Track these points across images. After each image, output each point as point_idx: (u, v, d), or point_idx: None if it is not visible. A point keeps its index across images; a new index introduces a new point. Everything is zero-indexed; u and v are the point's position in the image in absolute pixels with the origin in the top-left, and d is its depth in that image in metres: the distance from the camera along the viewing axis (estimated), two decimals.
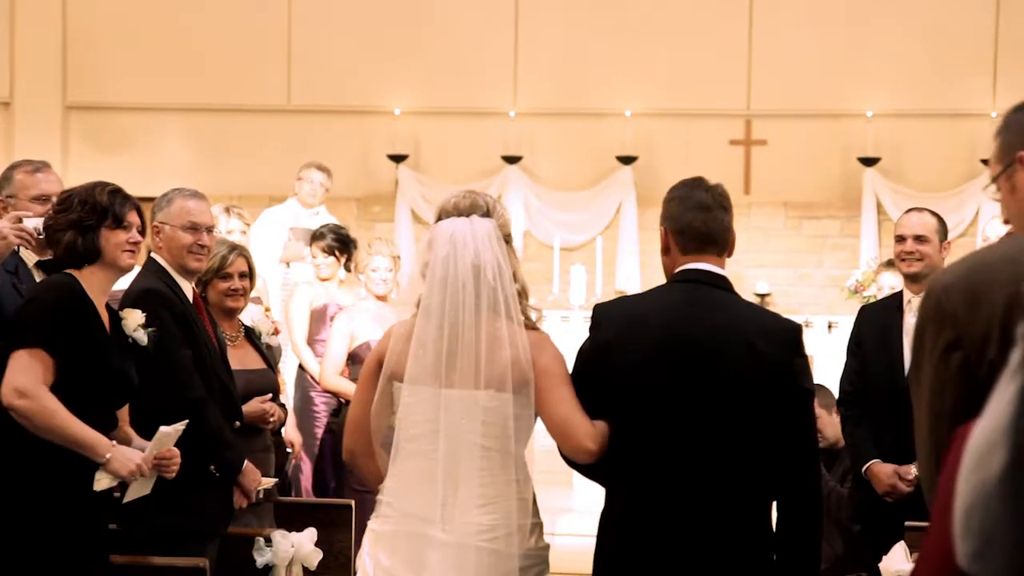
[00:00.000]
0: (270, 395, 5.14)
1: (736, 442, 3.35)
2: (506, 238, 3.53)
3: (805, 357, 3.48)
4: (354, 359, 6.42)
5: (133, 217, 4.04)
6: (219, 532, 4.53)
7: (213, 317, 4.86)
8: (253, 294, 5.51)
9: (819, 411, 5.94)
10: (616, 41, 11.61)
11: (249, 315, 5.52)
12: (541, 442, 3.77)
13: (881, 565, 4.53)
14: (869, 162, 11.39)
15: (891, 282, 7.09)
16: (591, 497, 7.36)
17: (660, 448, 3.38)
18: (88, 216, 3.96)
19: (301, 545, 4.70)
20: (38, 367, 3.78)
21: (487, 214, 3.52)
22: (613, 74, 11.62)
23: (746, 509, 3.38)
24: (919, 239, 5.34)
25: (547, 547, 3.55)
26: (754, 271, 11.39)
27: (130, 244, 4.02)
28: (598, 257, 11.09)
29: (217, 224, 5.72)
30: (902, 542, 4.55)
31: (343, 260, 7.26)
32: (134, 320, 4.09)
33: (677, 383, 3.37)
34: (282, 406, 5.35)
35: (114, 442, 3.89)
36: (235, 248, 5.26)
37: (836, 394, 5.74)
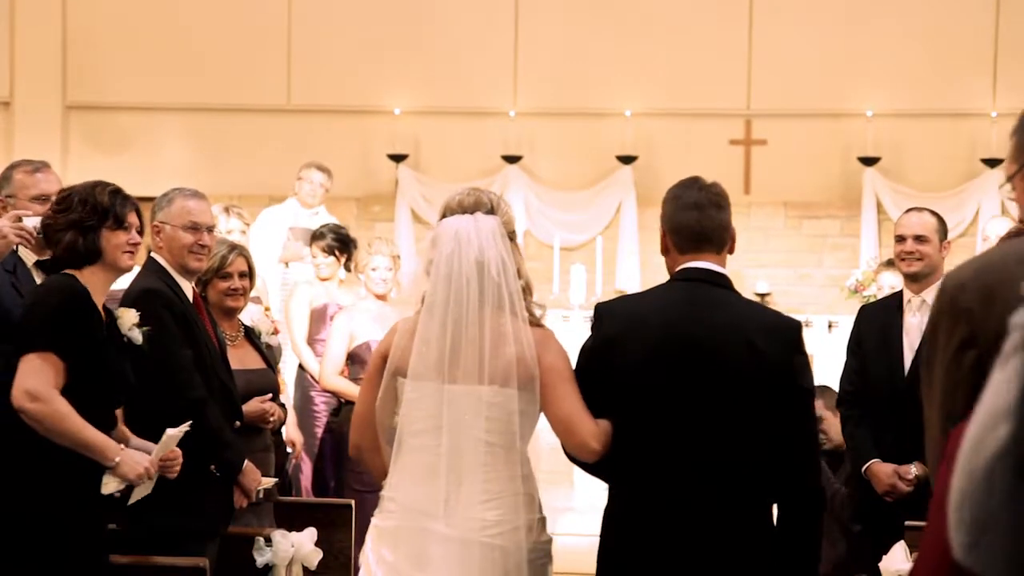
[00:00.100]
0: (270, 395, 5.14)
1: (737, 440, 3.36)
2: (510, 235, 3.56)
3: (805, 354, 3.48)
4: (353, 359, 6.42)
5: (133, 218, 4.04)
6: (219, 532, 4.53)
7: (213, 317, 4.86)
8: (253, 294, 5.51)
9: (825, 412, 5.93)
10: (616, 41, 11.62)
11: (249, 315, 5.52)
12: (547, 440, 3.78)
13: (881, 565, 4.52)
14: (869, 162, 11.39)
15: (891, 282, 7.09)
16: (592, 496, 7.38)
17: (661, 446, 3.39)
18: (89, 216, 3.95)
19: (301, 545, 4.70)
20: (49, 371, 3.78)
21: (491, 211, 3.54)
22: (613, 74, 11.62)
23: (747, 507, 3.39)
24: (919, 239, 5.34)
25: (550, 540, 3.57)
26: (754, 271, 11.40)
27: (130, 245, 4.02)
28: (598, 257, 11.09)
29: (217, 224, 5.72)
30: (902, 542, 4.55)
31: (343, 260, 7.26)
32: (129, 319, 4.08)
33: (677, 381, 3.38)
34: (282, 406, 5.35)
35: (122, 445, 3.90)
36: (235, 248, 5.26)
37: None
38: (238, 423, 4.71)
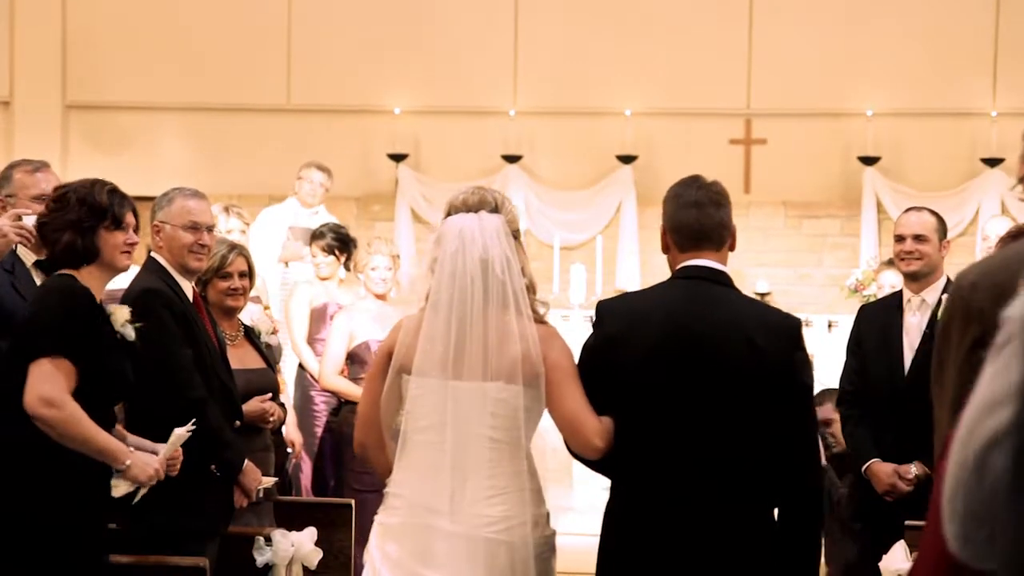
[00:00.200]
0: (270, 394, 5.14)
1: (737, 437, 3.37)
2: (514, 234, 3.58)
3: (805, 351, 3.49)
4: (353, 359, 6.42)
5: (130, 218, 4.04)
6: (219, 531, 4.53)
7: (213, 316, 4.86)
8: (252, 293, 5.51)
9: (834, 415, 5.92)
10: (616, 41, 11.61)
11: (249, 314, 5.52)
12: (551, 441, 3.79)
13: (881, 564, 4.53)
14: (869, 161, 11.39)
15: (891, 281, 7.09)
16: (592, 496, 7.38)
17: (661, 444, 3.40)
18: (87, 216, 3.93)
19: (301, 544, 4.70)
20: (61, 376, 3.76)
21: (495, 210, 3.56)
22: (613, 74, 11.62)
23: (747, 504, 3.39)
24: (918, 238, 5.34)
25: (554, 533, 3.59)
26: (754, 270, 11.39)
27: (127, 245, 4.02)
28: (598, 256, 11.08)
29: (217, 223, 5.72)
30: (902, 541, 4.55)
31: (343, 259, 7.26)
32: (122, 316, 4.07)
33: (678, 379, 3.39)
34: (282, 405, 5.35)
35: (132, 448, 3.90)
36: (235, 247, 5.26)
37: None
38: (238, 423, 4.72)
